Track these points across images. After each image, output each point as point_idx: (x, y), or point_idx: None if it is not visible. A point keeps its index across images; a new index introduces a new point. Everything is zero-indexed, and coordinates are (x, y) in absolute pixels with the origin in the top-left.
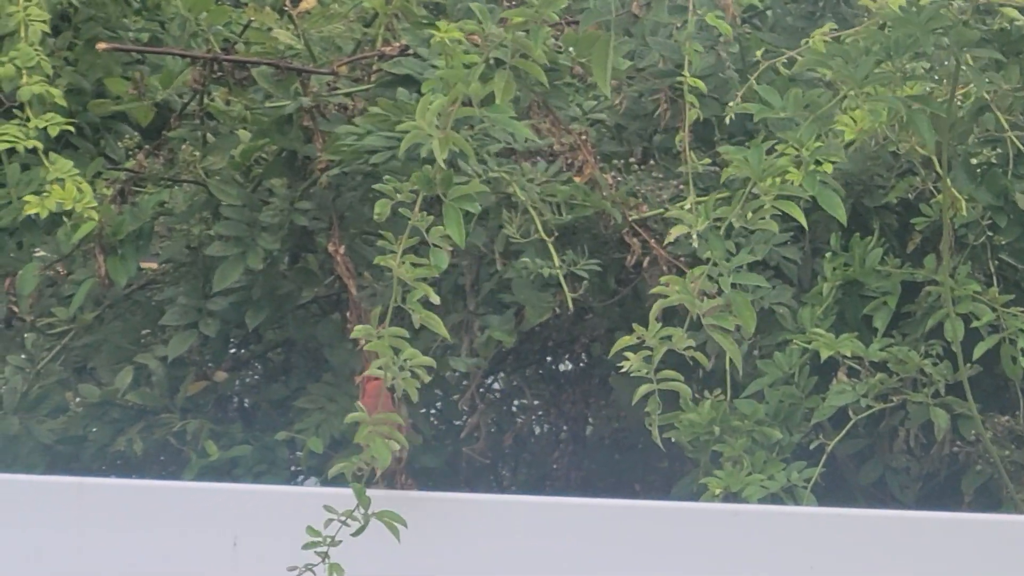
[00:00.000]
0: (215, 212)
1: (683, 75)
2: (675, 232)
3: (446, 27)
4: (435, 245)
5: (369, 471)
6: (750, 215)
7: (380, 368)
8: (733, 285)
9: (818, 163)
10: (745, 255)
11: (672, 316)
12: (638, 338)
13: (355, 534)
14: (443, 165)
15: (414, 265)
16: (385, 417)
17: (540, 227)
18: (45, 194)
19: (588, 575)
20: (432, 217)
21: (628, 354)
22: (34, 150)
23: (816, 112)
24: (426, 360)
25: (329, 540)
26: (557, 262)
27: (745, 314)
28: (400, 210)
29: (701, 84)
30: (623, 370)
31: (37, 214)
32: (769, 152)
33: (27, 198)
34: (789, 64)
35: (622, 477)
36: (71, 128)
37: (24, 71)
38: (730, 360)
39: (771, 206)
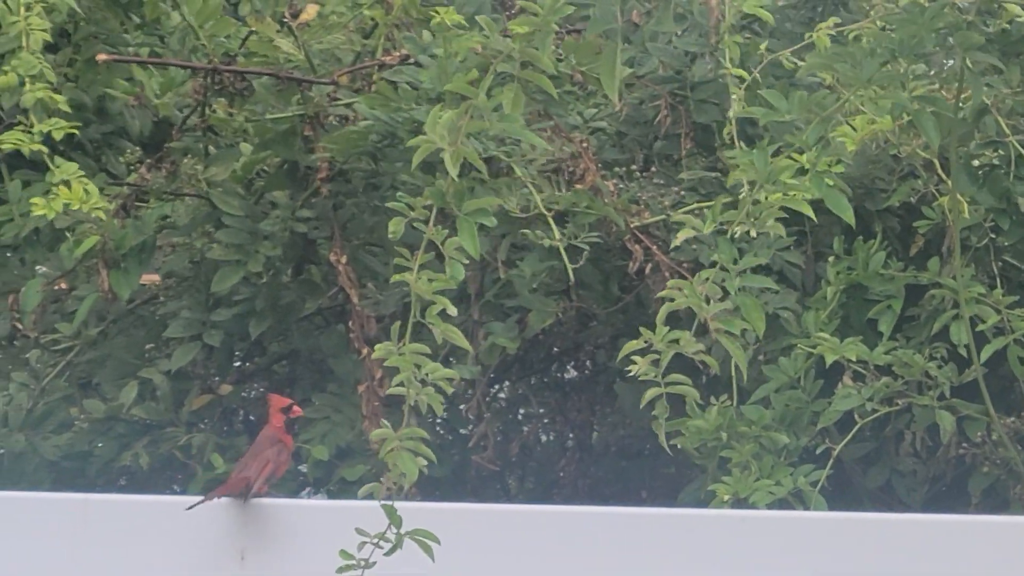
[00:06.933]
0: (218, 225)
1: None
2: (682, 236)
3: (446, 11)
4: (451, 257)
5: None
6: (756, 219)
7: (402, 384)
8: (741, 288)
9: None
10: (751, 258)
11: (677, 321)
12: (645, 342)
13: (387, 554)
14: (455, 178)
15: (430, 280)
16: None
17: (540, 203)
18: (52, 196)
19: None
20: (446, 230)
21: (636, 358)
22: (36, 167)
23: (821, 114)
24: (448, 372)
25: (364, 563)
26: (557, 235)
27: (754, 316)
28: (415, 225)
29: (743, 73)
30: (630, 374)
31: (39, 230)
32: (774, 155)
33: (33, 200)
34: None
35: (629, 484)
36: (76, 131)
37: (27, 79)
38: (735, 365)
39: (778, 209)
